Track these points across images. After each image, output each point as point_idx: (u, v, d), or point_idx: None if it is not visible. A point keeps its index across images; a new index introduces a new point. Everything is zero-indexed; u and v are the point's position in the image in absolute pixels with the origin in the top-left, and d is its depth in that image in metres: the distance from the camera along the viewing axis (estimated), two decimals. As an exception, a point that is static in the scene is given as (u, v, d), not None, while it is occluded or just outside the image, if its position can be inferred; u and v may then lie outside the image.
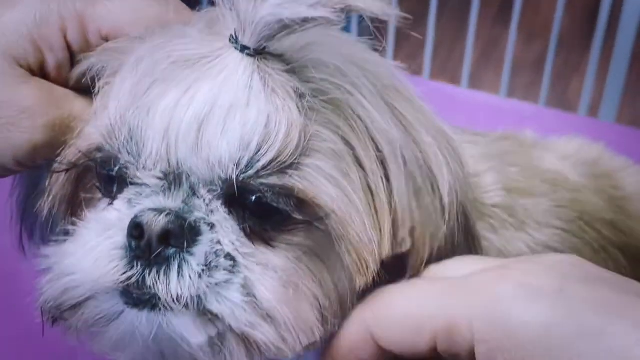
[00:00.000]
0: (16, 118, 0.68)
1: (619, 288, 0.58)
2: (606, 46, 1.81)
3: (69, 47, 0.72)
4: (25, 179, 0.79)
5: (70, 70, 0.73)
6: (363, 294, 0.66)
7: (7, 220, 1.15)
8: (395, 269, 0.68)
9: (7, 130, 0.68)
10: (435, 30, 1.86)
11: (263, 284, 0.61)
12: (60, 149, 0.69)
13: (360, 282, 0.65)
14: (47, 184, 0.70)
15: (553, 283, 0.59)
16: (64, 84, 0.72)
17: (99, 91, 0.68)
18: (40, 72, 0.71)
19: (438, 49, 1.78)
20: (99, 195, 0.68)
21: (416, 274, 0.68)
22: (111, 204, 0.65)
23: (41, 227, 0.80)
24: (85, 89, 0.72)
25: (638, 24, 1.74)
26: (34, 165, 0.71)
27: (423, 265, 0.68)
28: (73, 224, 0.66)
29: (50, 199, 0.70)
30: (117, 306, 0.61)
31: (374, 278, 0.66)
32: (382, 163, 0.64)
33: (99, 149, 0.65)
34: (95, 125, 0.65)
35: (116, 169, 0.64)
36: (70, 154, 0.67)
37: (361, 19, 0.65)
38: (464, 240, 0.71)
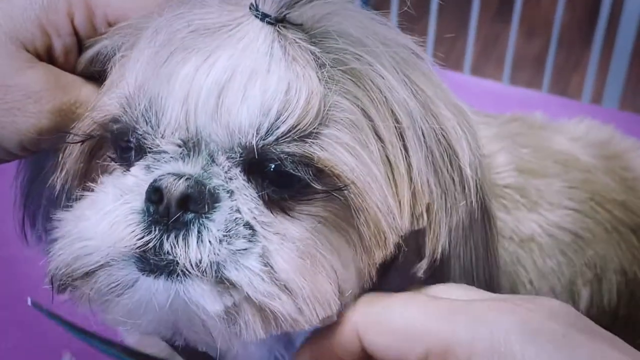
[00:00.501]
0: (22, 102, 0.68)
1: (616, 345, 0.59)
2: (607, 41, 1.82)
3: (75, 32, 0.72)
4: (30, 164, 0.79)
5: (77, 55, 0.73)
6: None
7: (8, 207, 1.15)
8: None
9: (13, 115, 0.68)
10: (437, 26, 1.86)
11: (280, 254, 0.60)
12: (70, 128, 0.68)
13: (378, 255, 0.65)
14: (59, 158, 0.69)
15: (558, 328, 0.59)
16: (71, 69, 0.72)
17: (111, 69, 0.68)
18: (47, 57, 0.71)
19: (438, 46, 1.79)
20: (113, 167, 0.67)
21: (434, 254, 0.68)
22: (127, 172, 0.64)
23: (44, 214, 0.80)
24: (92, 76, 0.72)
25: (639, 17, 1.75)
26: (38, 150, 0.71)
27: (439, 247, 0.67)
28: (89, 189, 0.65)
29: (63, 173, 0.69)
30: (131, 274, 0.60)
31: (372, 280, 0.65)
32: (401, 135, 0.64)
33: (115, 120, 0.64)
34: (112, 96, 0.65)
35: (134, 138, 0.64)
36: (85, 126, 0.67)
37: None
38: (480, 219, 0.70)
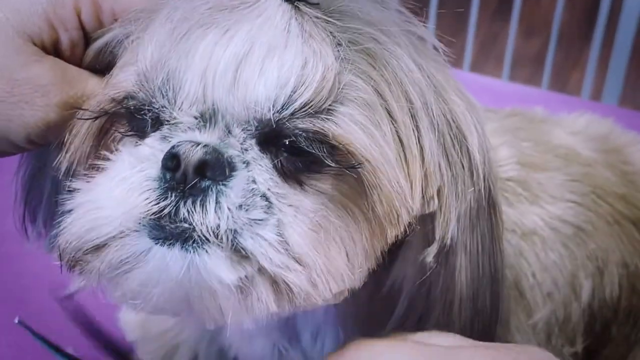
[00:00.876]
0: (30, 96, 0.68)
1: None
2: (607, 38, 1.82)
3: (82, 27, 0.72)
4: (32, 158, 0.79)
5: (83, 50, 0.73)
6: None
7: (6, 204, 1.15)
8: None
9: (21, 108, 0.68)
10: (436, 24, 1.87)
11: (294, 227, 0.61)
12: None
13: (390, 233, 0.65)
14: (65, 138, 0.69)
15: None
16: (77, 63, 0.73)
17: (123, 52, 0.68)
18: (54, 51, 0.71)
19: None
20: (124, 142, 0.67)
21: (443, 240, 0.68)
22: (140, 143, 0.64)
23: (45, 210, 0.80)
24: (99, 69, 0.72)
25: (638, 15, 1.75)
26: (45, 144, 0.71)
27: (449, 233, 0.67)
28: (102, 160, 0.65)
29: (69, 154, 0.69)
30: (144, 243, 0.60)
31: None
32: (414, 116, 0.65)
33: (130, 97, 0.65)
34: (127, 73, 0.66)
35: (150, 112, 0.64)
36: (98, 103, 0.67)
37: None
38: (487, 208, 0.70)
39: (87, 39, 0.73)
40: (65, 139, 0.69)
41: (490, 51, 2.62)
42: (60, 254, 0.65)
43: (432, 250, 0.68)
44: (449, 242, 0.68)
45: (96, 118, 0.67)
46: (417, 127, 0.65)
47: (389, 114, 0.64)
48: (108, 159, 0.65)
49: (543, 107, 1.10)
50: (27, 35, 0.69)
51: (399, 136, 0.64)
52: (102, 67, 0.72)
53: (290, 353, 0.83)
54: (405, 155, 0.64)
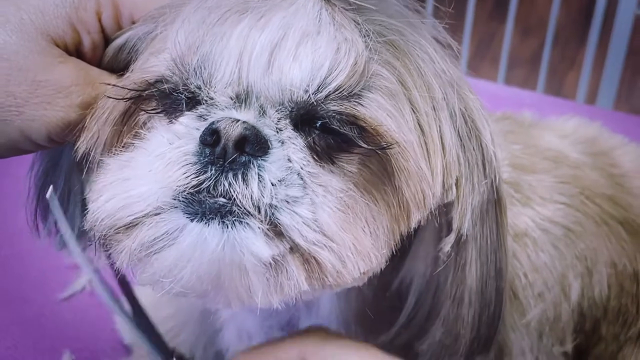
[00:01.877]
0: (53, 97, 0.69)
1: None
2: (602, 40, 1.83)
3: (102, 30, 0.74)
4: (45, 155, 0.80)
5: (104, 52, 0.75)
6: None
7: (7, 207, 1.15)
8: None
9: (43, 109, 0.69)
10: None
11: (324, 206, 0.62)
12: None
13: (415, 216, 0.67)
14: (86, 122, 0.70)
15: None
16: (98, 65, 0.74)
17: (149, 44, 0.70)
18: (76, 53, 0.73)
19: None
20: (153, 123, 0.68)
21: (459, 231, 0.69)
22: (174, 122, 0.65)
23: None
24: (117, 69, 0.73)
25: (633, 18, 1.76)
26: (63, 142, 0.73)
27: (465, 223, 0.69)
28: (135, 137, 0.66)
29: (89, 137, 0.69)
30: (180, 221, 0.61)
31: None
32: (435, 107, 0.67)
33: (163, 80, 0.66)
34: (159, 58, 0.67)
35: (185, 93, 0.65)
36: (131, 83, 0.68)
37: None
38: (494, 203, 0.72)
39: (107, 42, 0.75)
40: (87, 123, 0.70)
41: (485, 52, 2.63)
42: (92, 234, 0.65)
43: (450, 240, 0.70)
44: (464, 233, 0.69)
45: (129, 99, 0.68)
46: (438, 117, 0.67)
47: (412, 104, 0.66)
48: (140, 138, 0.66)
49: (538, 110, 1.11)
50: (51, 37, 0.71)
51: (420, 125, 0.66)
52: (121, 66, 0.73)
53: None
54: (427, 144, 0.66)
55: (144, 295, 1.13)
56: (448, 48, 0.71)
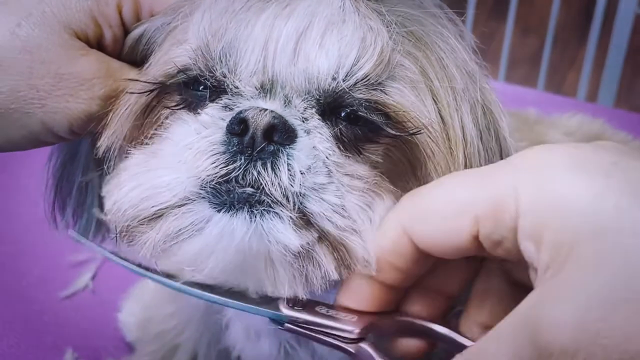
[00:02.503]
0: (75, 89, 0.70)
1: None
2: (602, 39, 1.83)
3: (123, 24, 0.74)
4: (63, 147, 0.80)
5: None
6: None
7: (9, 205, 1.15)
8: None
9: (66, 101, 0.69)
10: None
11: (351, 193, 0.62)
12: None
13: None
14: (107, 118, 0.70)
15: (607, 156, 0.55)
16: (118, 58, 0.74)
17: (168, 34, 0.69)
18: (97, 46, 0.73)
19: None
20: (175, 116, 0.67)
21: None
22: (199, 113, 0.65)
23: (75, 198, 0.81)
24: (136, 61, 0.74)
25: (633, 17, 1.76)
26: (85, 134, 0.73)
27: None
28: (164, 126, 0.66)
29: (111, 132, 0.69)
30: (206, 212, 0.60)
31: None
32: (456, 98, 0.67)
33: (185, 70, 0.66)
34: (181, 48, 0.66)
35: (209, 82, 0.65)
36: (152, 77, 0.68)
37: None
38: None
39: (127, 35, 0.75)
40: (108, 119, 0.70)
41: (486, 51, 2.62)
42: (114, 225, 0.65)
43: None
44: None
45: (151, 91, 0.68)
46: (459, 108, 0.67)
47: (433, 94, 0.66)
48: (166, 128, 0.65)
49: (539, 108, 1.11)
50: (73, 30, 0.71)
51: (442, 116, 0.66)
52: (140, 58, 0.73)
53: (299, 352, 0.83)
54: (449, 134, 0.66)
55: (146, 292, 1.13)
56: (464, 40, 0.71)
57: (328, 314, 0.65)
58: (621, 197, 0.52)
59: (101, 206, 0.80)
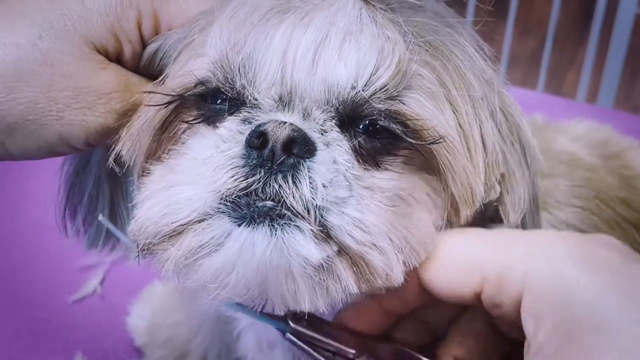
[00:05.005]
0: (93, 103, 0.70)
1: None
2: (602, 39, 1.83)
3: (142, 39, 0.74)
4: (76, 155, 0.80)
5: None
6: None
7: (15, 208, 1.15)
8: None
9: (83, 114, 0.70)
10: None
11: (371, 207, 0.62)
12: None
13: (464, 212, 0.67)
14: (123, 134, 0.70)
15: (614, 258, 0.59)
16: (136, 72, 0.74)
17: (185, 48, 0.69)
18: (117, 61, 0.73)
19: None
20: (193, 130, 0.67)
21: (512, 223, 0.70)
22: (217, 127, 0.64)
23: (86, 206, 0.81)
24: (153, 76, 0.73)
25: (633, 17, 1.77)
26: (100, 146, 0.73)
27: (513, 218, 0.69)
28: (182, 142, 0.66)
29: (127, 149, 0.69)
30: (227, 227, 0.60)
31: None
32: (475, 107, 0.67)
33: (204, 82, 0.66)
34: (198, 61, 0.66)
35: (228, 94, 0.65)
36: (170, 90, 0.67)
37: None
38: (535, 192, 0.72)
39: None
40: (123, 134, 0.69)
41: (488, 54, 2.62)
42: (136, 243, 0.65)
43: None
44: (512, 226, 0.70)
45: (168, 104, 0.67)
46: (478, 117, 0.67)
47: (451, 104, 0.66)
48: (184, 143, 0.65)
49: (538, 110, 1.12)
50: (93, 45, 0.71)
51: (460, 125, 0.66)
52: (156, 72, 0.73)
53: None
54: (468, 143, 0.66)
55: (155, 297, 1.13)
56: (481, 50, 0.71)
57: (328, 331, 0.69)
58: (624, 299, 0.56)
59: (111, 215, 0.81)
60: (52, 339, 1.12)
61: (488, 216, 0.71)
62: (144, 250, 0.65)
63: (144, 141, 0.69)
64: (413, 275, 0.65)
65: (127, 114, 0.70)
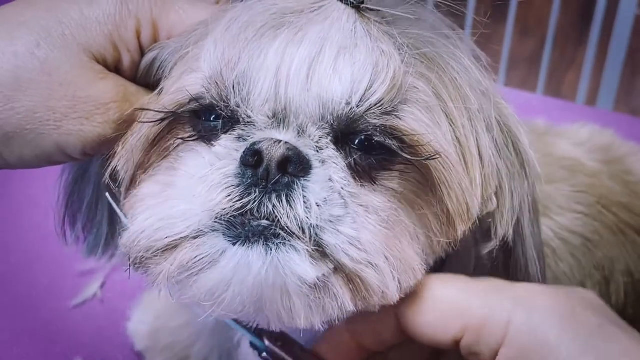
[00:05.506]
0: (91, 113, 0.69)
1: None
2: (602, 41, 1.83)
3: (141, 48, 0.74)
4: (76, 163, 0.80)
5: None
6: None
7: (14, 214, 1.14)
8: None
9: (81, 124, 0.69)
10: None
11: (367, 225, 0.61)
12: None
13: (460, 228, 0.66)
14: (118, 148, 0.69)
15: (593, 318, 0.61)
16: (134, 81, 0.74)
17: (179, 61, 0.69)
18: (115, 70, 0.73)
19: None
20: (187, 147, 0.67)
21: (504, 237, 0.70)
22: (212, 144, 0.64)
23: (85, 214, 0.81)
24: (151, 86, 0.73)
25: (633, 18, 1.76)
26: (97, 155, 0.73)
27: (510, 229, 0.69)
28: (174, 157, 0.66)
29: (122, 163, 0.69)
30: (220, 245, 0.60)
31: None
32: (471, 119, 0.67)
33: (197, 98, 0.65)
34: (192, 77, 0.66)
35: (222, 112, 0.64)
36: (162, 106, 0.67)
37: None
38: (534, 200, 0.72)
39: None
40: (119, 149, 0.69)
41: (485, 53, 2.61)
42: (128, 255, 0.65)
43: (490, 246, 0.70)
44: (509, 238, 0.69)
45: (162, 120, 0.67)
46: (475, 129, 0.67)
47: (448, 116, 0.65)
48: (179, 160, 0.65)
49: (538, 112, 1.11)
50: (92, 54, 0.70)
51: (457, 137, 0.66)
52: (154, 82, 0.73)
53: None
54: (465, 156, 0.66)
55: (156, 302, 1.13)
56: (478, 60, 0.70)
57: (301, 357, 0.70)
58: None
59: (111, 223, 0.81)
60: (52, 344, 1.11)
61: (485, 229, 0.70)
62: (136, 263, 0.64)
63: (137, 155, 0.68)
64: (392, 314, 0.66)
65: (124, 124, 0.70)
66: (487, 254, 0.70)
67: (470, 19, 1.81)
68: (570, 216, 0.91)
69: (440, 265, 0.73)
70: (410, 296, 0.66)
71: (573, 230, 0.91)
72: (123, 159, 0.69)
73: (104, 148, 0.71)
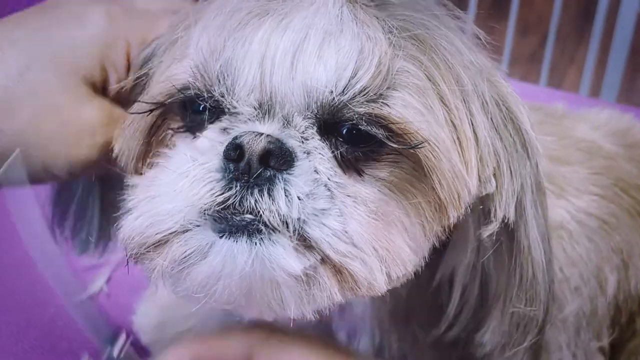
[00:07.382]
0: (77, 137, 0.70)
1: None
2: (605, 35, 1.83)
3: (129, 67, 0.73)
4: None
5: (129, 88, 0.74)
6: None
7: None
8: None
9: (66, 147, 0.69)
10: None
11: (354, 216, 0.61)
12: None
13: (452, 215, 0.65)
14: (114, 140, 0.70)
15: None
16: (122, 99, 0.74)
17: (167, 51, 0.68)
18: (102, 89, 0.73)
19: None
20: (178, 138, 0.67)
21: (504, 219, 0.68)
22: (197, 137, 0.64)
23: (74, 212, 0.81)
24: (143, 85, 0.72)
25: (635, 16, 1.76)
26: (82, 176, 0.73)
27: (510, 211, 0.68)
28: (158, 155, 0.66)
29: (121, 154, 0.69)
30: (208, 238, 0.60)
31: None
32: (465, 99, 0.65)
33: (185, 88, 0.65)
34: (179, 66, 0.65)
35: (208, 102, 0.64)
36: (152, 97, 0.67)
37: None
38: (538, 182, 0.70)
39: None
40: (115, 140, 0.69)
41: (487, 49, 2.61)
42: (125, 250, 0.65)
43: (490, 228, 0.68)
44: (511, 219, 0.68)
45: (151, 111, 0.66)
46: (469, 110, 0.65)
47: (441, 99, 0.64)
48: (164, 155, 0.65)
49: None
50: (81, 75, 0.70)
51: (451, 120, 0.64)
52: (147, 81, 0.72)
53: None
54: (459, 138, 0.64)
55: (162, 294, 1.12)
56: (475, 38, 0.69)
57: None
58: None
59: (102, 219, 0.81)
60: (58, 339, 1.10)
61: (486, 211, 0.69)
62: (132, 258, 0.65)
63: (133, 146, 0.68)
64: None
65: (110, 147, 0.70)
66: (488, 236, 0.68)
67: (472, 7, 1.81)
68: (587, 198, 0.90)
69: (442, 252, 0.72)
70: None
71: (590, 212, 0.89)
72: (120, 150, 0.69)
73: (90, 170, 0.71)
